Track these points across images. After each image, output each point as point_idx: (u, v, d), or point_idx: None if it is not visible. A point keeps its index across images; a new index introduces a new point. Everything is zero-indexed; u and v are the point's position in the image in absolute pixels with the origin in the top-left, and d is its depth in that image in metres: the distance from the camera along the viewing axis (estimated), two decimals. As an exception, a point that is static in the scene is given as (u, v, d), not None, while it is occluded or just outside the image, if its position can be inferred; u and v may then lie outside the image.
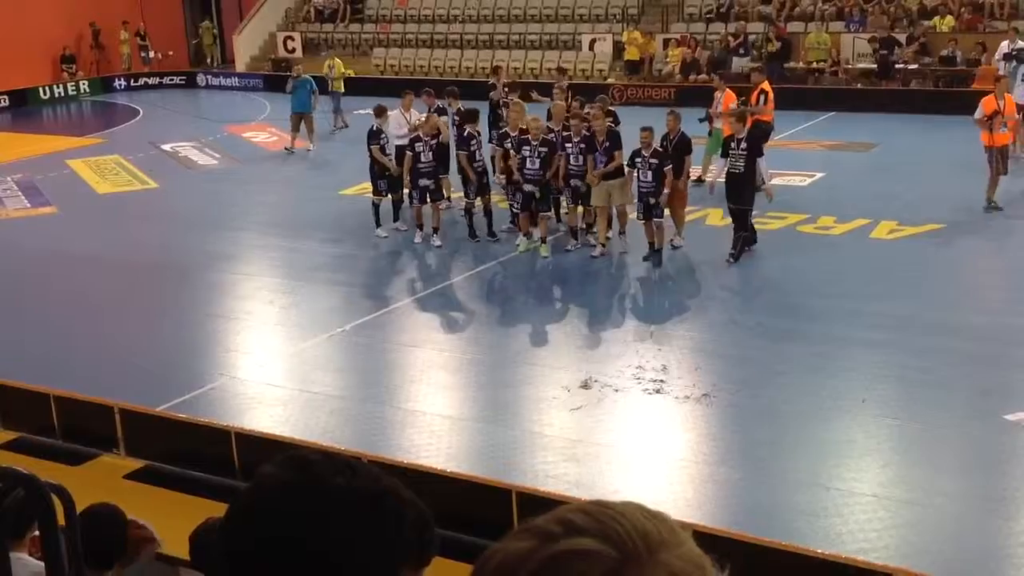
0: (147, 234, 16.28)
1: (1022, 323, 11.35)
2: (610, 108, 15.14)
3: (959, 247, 13.64)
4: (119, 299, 13.34)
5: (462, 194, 15.00)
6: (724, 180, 13.25)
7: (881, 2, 26.33)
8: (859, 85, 25.01)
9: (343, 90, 24.53)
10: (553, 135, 13.87)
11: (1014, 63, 19.01)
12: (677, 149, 13.48)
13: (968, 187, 16.61)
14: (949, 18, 25.23)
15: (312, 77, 22.52)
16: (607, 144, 13.29)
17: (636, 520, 1.07)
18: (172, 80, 33.95)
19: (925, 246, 13.79)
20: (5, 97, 30.32)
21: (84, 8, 32.73)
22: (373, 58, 31.41)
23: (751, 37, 26.31)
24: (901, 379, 9.87)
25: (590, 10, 30.05)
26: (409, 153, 14.43)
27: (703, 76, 25.98)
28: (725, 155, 13.32)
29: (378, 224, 15.00)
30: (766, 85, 16.98)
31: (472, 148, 14.44)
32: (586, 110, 14.45)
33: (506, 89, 17.34)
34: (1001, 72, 22.16)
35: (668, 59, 27.08)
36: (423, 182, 14.38)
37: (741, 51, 26.08)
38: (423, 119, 15.41)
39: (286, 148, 21.65)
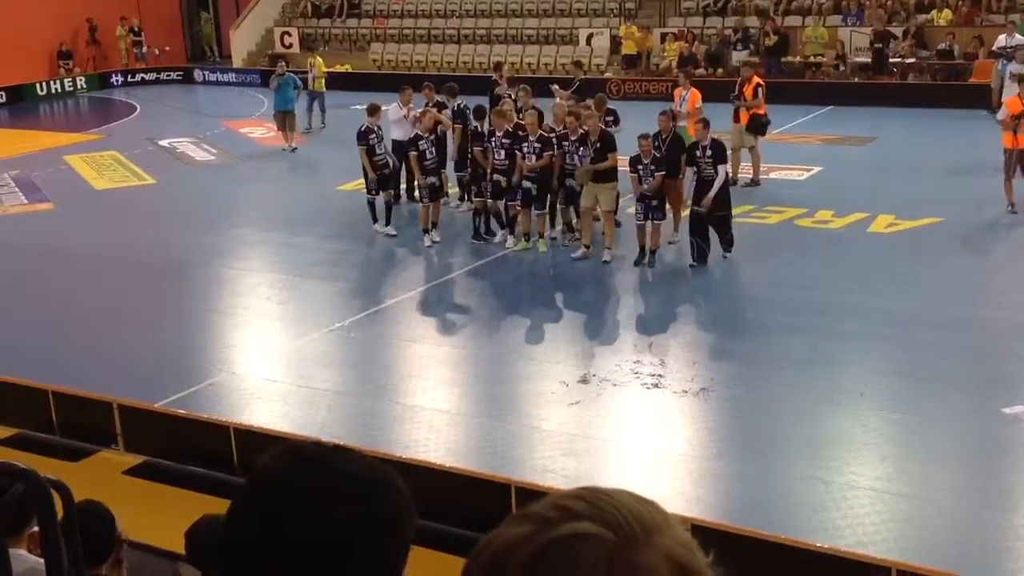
0: (145, 230, 16.27)
1: (1020, 317, 11.37)
2: (610, 107, 15.02)
3: (957, 241, 13.65)
4: (117, 295, 13.32)
5: (462, 193, 15.01)
6: (695, 188, 12.91)
7: (878, -5, 26.33)
8: (856, 79, 25.01)
9: (324, 89, 23.98)
10: (554, 134, 13.79)
11: (1002, 61, 18.74)
12: (671, 148, 13.38)
13: (966, 181, 16.63)
14: (947, 11, 25.22)
15: (293, 74, 22.24)
16: (598, 144, 13.14)
17: (631, 504, 1.09)
18: (169, 76, 33.90)
19: (923, 240, 13.80)
20: (2, 93, 30.27)
21: (81, 4, 32.68)
22: (371, 53, 31.40)
23: (750, 31, 26.31)
24: (899, 373, 9.88)
25: (587, 5, 30.03)
26: (414, 152, 14.36)
27: (700, 70, 25.99)
28: (691, 163, 12.99)
29: (375, 219, 14.94)
30: (758, 78, 16.99)
31: (485, 145, 14.33)
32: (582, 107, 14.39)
33: (507, 87, 17.22)
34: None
35: (665, 53, 27.07)
36: (430, 179, 14.30)
37: (739, 45, 26.09)
38: (419, 112, 15.41)
39: (284, 148, 21.35)
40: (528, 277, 13.47)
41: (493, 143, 13.96)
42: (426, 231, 14.45)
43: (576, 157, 13.44)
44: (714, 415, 9.22)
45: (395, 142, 16.04)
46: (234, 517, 1.45)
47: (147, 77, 33.60)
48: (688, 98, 16.05)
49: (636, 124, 14.54)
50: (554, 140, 13.62)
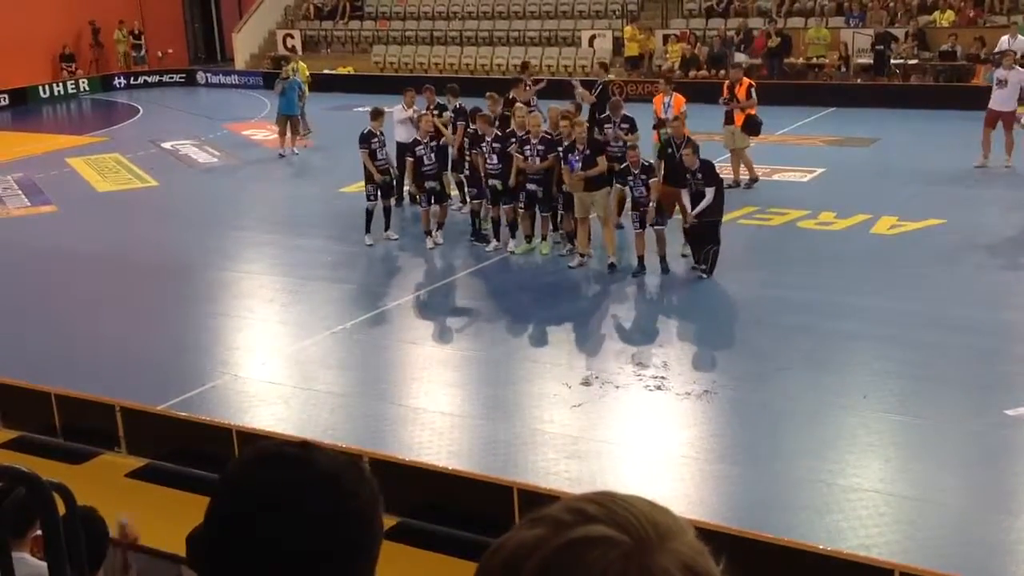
0: (147, 232, 16.28)
1: (1022, 318, 11.37)
2: (626, 114, 14.60)
3: (960, 242, 13.63)
4: (120, 297, 13.33)
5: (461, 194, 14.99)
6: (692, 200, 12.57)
7: (881, -3, 26.33)
8: (859, 80, 25.00)
9: (307, 93, 23.02)
10: (554, 136, 13.74)
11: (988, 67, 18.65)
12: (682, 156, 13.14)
13: (968, 183, 16.62)
14: (949, 12, 25.21)
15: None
16: (587, 152, 12.97)
17: (645, 510, 1.09)
18: (172, 78, 33.94)
19: (926, 241, 13.79)
20: (5, 96, 30.31)
21: (84, 6, 32.73)
22: (373, 55, 31.42)
23: (753, 33, 26.30)
24: (902, 375, 9.86)
25: (590, 6, 30.04)
26: (410, 159, 14.32)
27: (703, 72, 26.02)
28: (682, 185, 12.60)
29: (368, 230, 14.63)
30: (748, 79, 16.99)
31: (473, 150, 14.31)
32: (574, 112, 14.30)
33: (531, 87, 16.98)
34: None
35: (668, 55, 27.07)
36: (429, 184, 14.25)
37: (742, 47, 26.09)
38: (420, 114, 15.41)
39: (289, 152, 21.17)
40: (531, 279, 13.45)
41: (484, 147, 13.93)
42: (428, 233, 14.44)
43: (571, 162, 13.19)
44: (717, 417, 9.21)
45: (398, 144, 16.04)
46: (209, 519, 1.47)
47: (150, 79, 33.64)
48: (672, 104, 15.72)
49: (638, 125, 14.56)
50: (556, 141, 13.58)
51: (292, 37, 32.99)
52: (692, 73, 26.06)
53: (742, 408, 9.36)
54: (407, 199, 16.16)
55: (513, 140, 13.74)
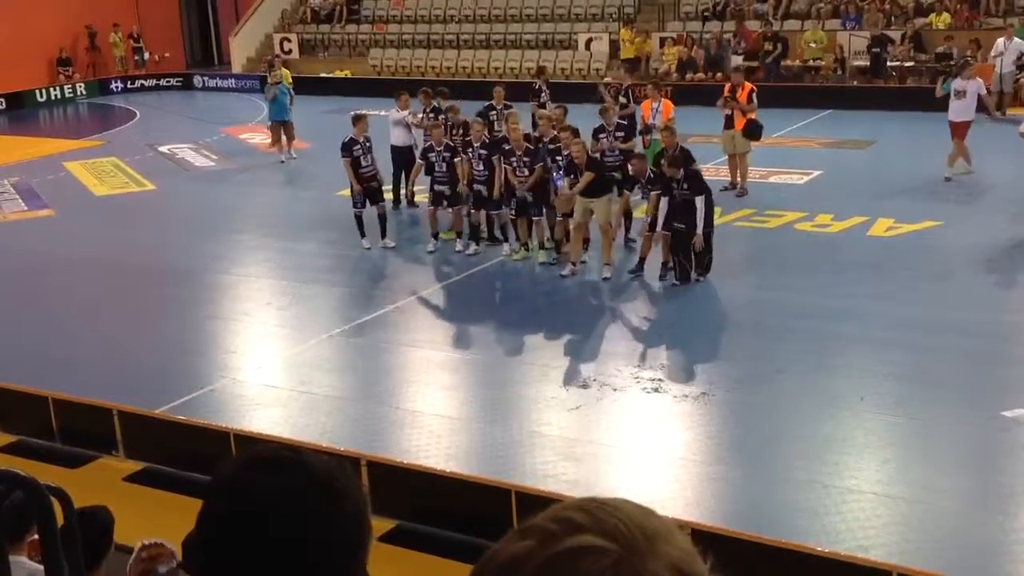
0: (145, 236, 16.27)
1: (1020, 320, 11.39)
2: (620, 121, 14.53)
3: (956, 244, 13.65)
4: (117, 301, 13.33)
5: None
6: (668, 210, 12.42)
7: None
8: (855, 83, 25.04)
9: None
10: (541, 144, 13.66)
11: (944, 78, 18.16)
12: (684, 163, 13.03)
13: (965, 184, 16.63)
14: (945, 15, 25.25)
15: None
16: (568, 162, 12.89)
17: (632, 514, 1.08)
18: (169, 82, 33.94)
19: (923, 243, 13.81)
20: (2, 100, 30.34)
21: (80, 10, 32.72)
22: (370, 59, 31.44)
23: (747, 27, 26.34)
24: (899, 376, 9.87)
25: (586, 10, 30.07)
26: (421, 161, 14.28)
27: (700, 75, 26.05)
28: (667, 194, 12.40)
29: (363, 235, 14.47)
30: (750, 83, 16.97)
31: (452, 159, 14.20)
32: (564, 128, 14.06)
33: (547, 91, 16.86)
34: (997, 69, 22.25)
35: (664, 58, 27.09)
36: (438, 187, 14.15)
37: (739, 49, 26.12)
38: (419, 117, 15.43)
39: (287, 156, 21.01)
40: (528, 283, 13.46)
41: (471, 154, 13.94)
42: (435, 236, 14.26)
43: (554, 180, 13.12)
44: (714, 419, 9.22)
45: (393, 147, 16.04)
46: (203, 523, 1.48)
47: (147, 83, 33.63)
48: (661, 109, 15.55)
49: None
50: (540, 150, 13.47)
51: (289, 41, 33.00)
52: (689, 76, 26.09)
53: (739, 410, 9.37)
54: (403, 202, 16.16)
55: (499, 151, 13.70)
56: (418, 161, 14.48)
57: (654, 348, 10.88)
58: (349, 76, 30.81)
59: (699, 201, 12.22)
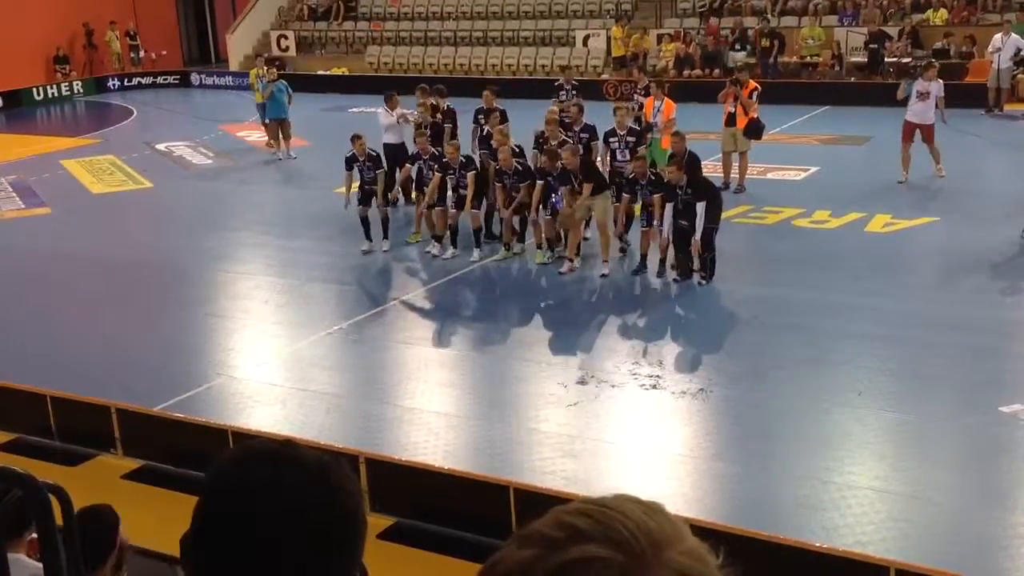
0: (142, 234, 16.27)
1: (1016, 316, 11.39)
2: (632, 126, 14.33)
3: (953, 240, 13.66)
4: (115, 299, 13.32)
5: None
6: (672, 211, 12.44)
7: (874, -5, 26.36)
8: (852, 79, 25.03)
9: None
10: (531, 165, 13.66)
11: (907, 80, 17.81)
12: (689, 168, 12.88)
13: (962, 180, 16.64)
14: (942, 11, 25.25)
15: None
16: (580, 178, 12.89)
17: (638, 518, 1.06)
18: (166, 80, 33.90)
19: (920, 239, 13.82)
20: (-1, 98, 30.31)
21: (77, 8, 32.67)
22: (367, 56, 31.41)
23: (748, 32, 26.33)
24: (897, 372, 9.88)
25: (583, 6, 30.06)
26: (409, 166, 14.22)
27: (697, 71, 26.06)
28: (670, 200, 12.37)
29: (368, 237, 14.39)
30: (753, 83, 16.95)
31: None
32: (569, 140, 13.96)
33: (574, 92, 16.67)
34: (995, 66, 22.23)
35: (662, 54, 27.09)
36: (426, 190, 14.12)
37: (737, 46, 26.13)
38: (415, 114, 15.41)
39: (285, 155, 20.91)
40: (526, 281, 13.46)
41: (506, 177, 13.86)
42: (437, 238, 14.15)
43: (555, 202, 13.03)
44: (712, 416, 9.23)
45: (387, 146, 16.03)
46: (194, 516, 1.47)
47: (144, 81, 33.60)
48: (663, 109, 15.46)
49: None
50: (528, 170, 13.47)
51: (286, 38, 32.98)
52: (686, 72, 26.09)
53: (737, 406, 9.38)
54: (401, 200, 16.16)
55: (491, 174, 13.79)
56: (408, 166, 14.38)
57: (652, 345, 10.89)
58: (346, 74, 30.79)
59: (699, 207, 12.18)
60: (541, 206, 13.28)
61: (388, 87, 17.61)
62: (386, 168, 14.88)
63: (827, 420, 9.03)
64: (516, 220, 13.83)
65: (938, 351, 10.30)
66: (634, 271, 12.97)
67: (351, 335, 11.56)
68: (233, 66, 33.59)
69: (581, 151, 13.63)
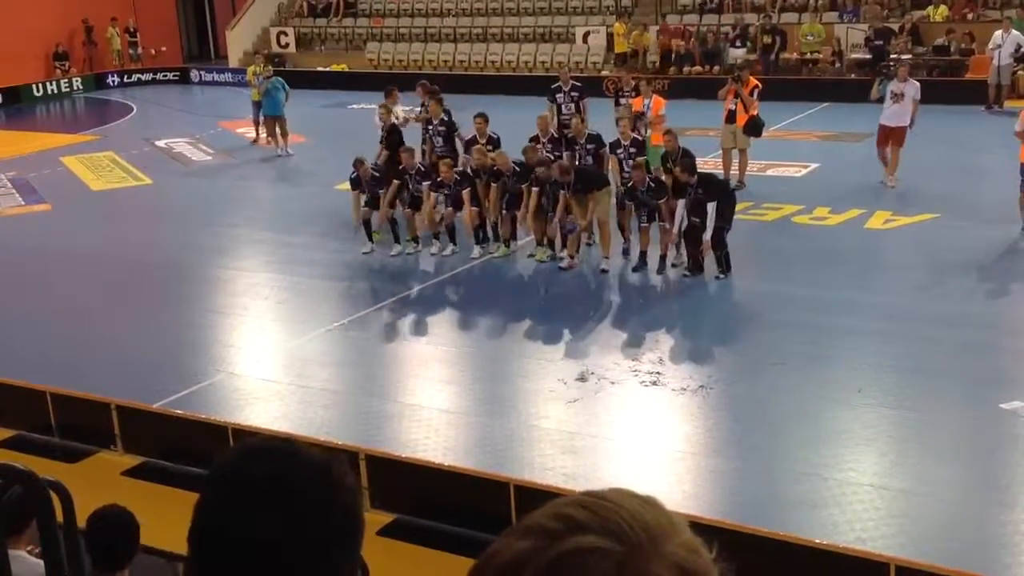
0: (142, 230, 16.26)
1: (1017, 312, 11.41)
2: (636, 137, 13.97)
3: (953, 236, 13.65)
4: (114, 296, 13.32)
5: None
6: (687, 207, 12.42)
7: (874, -8, 26.34)
8: (853, 76, 25.02)
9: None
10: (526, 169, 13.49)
11: (881, 79, 17.50)
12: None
13: (962, 177, 16.65)
14: (943, 7, 25.24)
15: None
16: (579, 186, 12.84)
17: (635, 511, 1.07)
18: (165, 76, 33.88)
19: (920, 236, 13.81)
20: (-2, 94, 30.28)
21: (77, 5, 32.64)
22: (367, 53, 31.38)
23: (749, 28, 26.31)
24: (897, 369, 9.88)
25: (584, 3, 30.03)
26: (396, 181, 14.08)
27: (697, 68, 26.04)
28: (680, 196, 12.40)
29: (371, 238, 14.31)
30: (754, 80, 16.93)
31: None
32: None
33: (574, 95, 16.09)
34: (994, 63, 22.22)
35: (662, 50, 27.06)
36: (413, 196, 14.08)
37: (738, 43, 26.11)
38: (416, 112, 15.39)
39: (283, 152, 20.85)
40: (526, 277, 13.45)
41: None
42: (436, 236, 14.16)
43: (572, 227, 12.95)
44: (712, 412, 9.23)
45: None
46: (196, 513, 1.47)
47: (143, 77, 33.56)
48: (651, 106, 15.33)
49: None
50: (528, 171, 13.34)
51: (286, 35, 32.96)
52: (686, 69, 26.09)
53: (737, 403, 9.38)
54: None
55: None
56: (395, 182, 14.25)
57: (652, 341, 10.88)
58: (346, 70, 30.77)
59: (710, 207, 12.19)
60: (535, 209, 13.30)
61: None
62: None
63: (827, 416, 9.04)
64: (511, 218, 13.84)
65: (938, 348, 10.30)
66: (634, 267, 12.98)
67: (351, 331, 11.55)
68: (233, 63, 33.56)
69: (578, 162, 13.72)
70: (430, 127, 15.72)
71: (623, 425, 9.11)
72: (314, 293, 12.95)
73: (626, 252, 13.41)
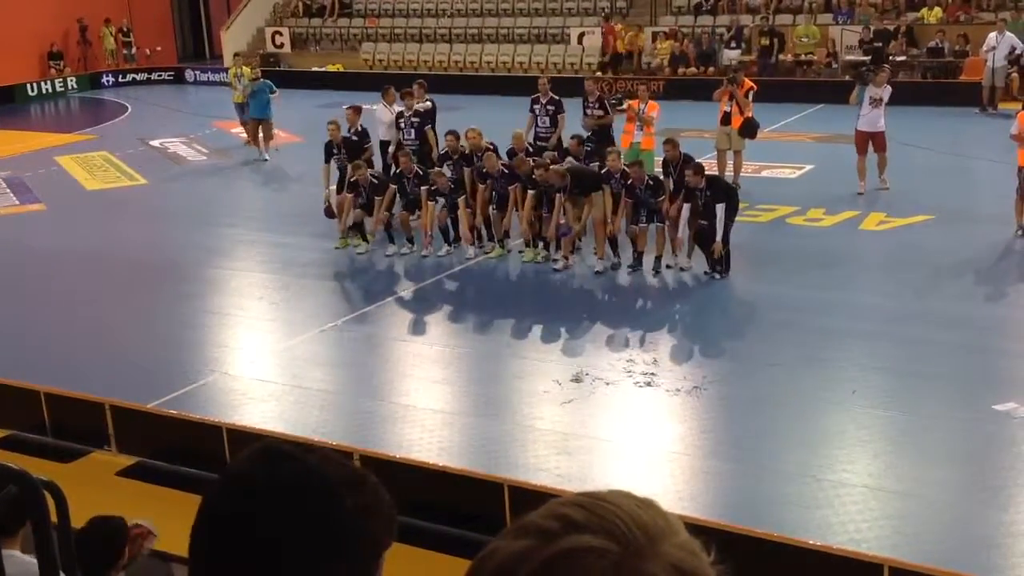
0: (136, 230, 16.24)
1: (1010, 314, 11.43)
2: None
3: (947, 238, 13.68)
4: (109, 296, 13.30)
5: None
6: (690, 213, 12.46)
7: (869, -6, 26.39)
8: (848, 77, 25.03)
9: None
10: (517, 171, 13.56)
11: (859, 85, 16.93)
12: (683, 176, 12.70)
13: (956, 178, 16.69)
14: (937, 9, 25.29)
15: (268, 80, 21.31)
16: (576, 191, 12.87)
17: (632, 511, 1.07)
18: (160, 76, 33.84)
19: (914, 237, 13.83)
20: (-8, 94, 30.23)
21: (71, 4, 32.59)
22: (362, 53, 31.37)
23: (744, 30, 26.34)
24: (891, 370, 9.90)
25: (578, 4, 30.05)
26: (393, 186, 14.10)
27: (691, 69, 26.06)
28: (688, 200, 12.43)
29: (364, 239, 14.36)
30: (749, 82, 16.94)
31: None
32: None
33: (550, 108, 15.58)
34: (989, 64, 22.26)
35: (656, 52, 27.09)
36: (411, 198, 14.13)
37: (733, 44, 26.14)
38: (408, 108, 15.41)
39: (266, 157, 20.59)
40: (521, 278, 13.46)
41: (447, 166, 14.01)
42: (430, 238, 14.11)
43: (568, 231, 13.02)
44: (707, 413, 9.23)
45: (383, 143, 15.99)
46: (204, 514, 1.45)
47: (138, 77, 33.53)
48: (646, 109, 15.32)
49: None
50: (517, 174, 13.40)
51: (281, 35, 32.94)
52: (681, 70, 26.11)
53: (731, 404, 9.39)
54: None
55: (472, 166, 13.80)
56: (391, 187, 14.24)
57: (647, 342, 10.88)
58: (341, 70, 30.75)
59: (719, 208, 12.23)
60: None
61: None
62: (382, 164, 14.89)
63: (821, 418, 9.05)
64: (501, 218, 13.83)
65: (932, 349, 10.32)
66: (630, 268, 12.98)
67: (345, 331, 11.55)
68: (227, 62, 33.39)
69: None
70: (402, 120, 15.66)
71: (617, 426, 9.12)
72: (309, 293, 12.94)
73: (639, 259, 13.25)
